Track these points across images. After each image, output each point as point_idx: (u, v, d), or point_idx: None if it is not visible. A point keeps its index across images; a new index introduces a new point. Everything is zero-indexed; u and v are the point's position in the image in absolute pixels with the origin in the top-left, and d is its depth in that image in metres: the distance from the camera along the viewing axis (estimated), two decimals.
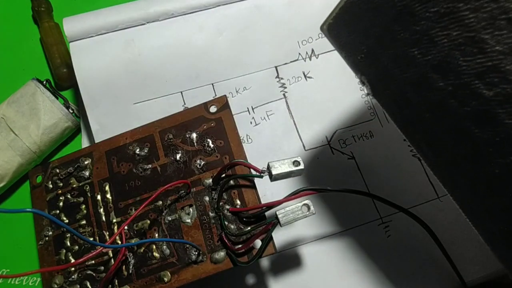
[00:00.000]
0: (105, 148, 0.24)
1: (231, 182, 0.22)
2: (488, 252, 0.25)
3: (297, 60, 0.29)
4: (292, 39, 0.29)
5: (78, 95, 0.29)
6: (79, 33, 0.28)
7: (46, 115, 0.27)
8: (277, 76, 0.29)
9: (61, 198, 0.24)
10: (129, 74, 0.28)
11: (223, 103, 0.24)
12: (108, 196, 0.23)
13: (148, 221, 0.22)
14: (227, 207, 0.21)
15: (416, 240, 0.25)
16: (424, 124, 0.16)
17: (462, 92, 0.14)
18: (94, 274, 0.22)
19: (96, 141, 0.27)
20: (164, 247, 0.21)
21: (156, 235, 0.22)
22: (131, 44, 0.28)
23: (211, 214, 0.22)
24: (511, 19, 0.12)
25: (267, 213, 0.21)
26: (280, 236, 0.26)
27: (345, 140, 0.28)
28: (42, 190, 0.24)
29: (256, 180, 0.22)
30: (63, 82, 0.30)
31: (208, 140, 0.23)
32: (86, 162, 0.24)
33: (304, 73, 0.29)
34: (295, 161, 0.20)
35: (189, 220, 0.22)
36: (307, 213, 0.19)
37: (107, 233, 0.22)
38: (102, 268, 0.22)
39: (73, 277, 0.22)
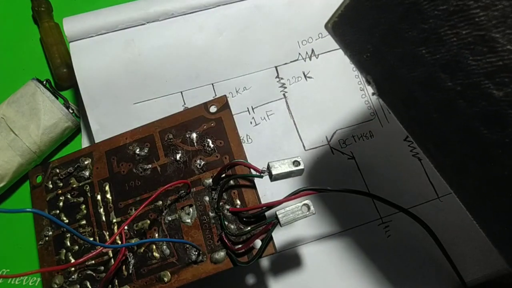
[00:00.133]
0: (105, 148, 0.24)
1: (231, 182, 0.22)
2: (488, 252, 0.25)
3: (297, 60, 0.29)
4: (292, 39, 0.29)
5: (78, 95, 0.29)
6: (79, 33, 0.28)
7: (46, 115, 0.27)
8: (277, 76, 0.29)
9: (61, 198, 0.24)
10: (129, 74, 0.28)
11: (223, 103, 0.24)
12: (108, 196, 0.23)
13: (148, 221, 0.22)
14: (227, 207, 0.21)
15: (416, 240, 0.25)
16: (431, 124, 0.16)
17: (471, 92, 0.13)
18: (94, 274, 0.22)
19: (96, 141, 0.27)
20: (164, 247, 0.21)
21: (156, 235, 0.22)
22: (131, 44, 0.28)
23: (211, 214, 0.22)
24: None
25: (267, 213, 0.21)
26: (280, 236, 0.26)
27: (345, 140, 0.28)
28: (42, 190, 0.24)
29: (256, 180, 0.22)
30: (63, 82, 0.30)
31: (208, 140, 0.23)
32: (86, 162, 0.24)
33: (304, 73, 0.29)
34: (295, 161, 0.20)
35: (189, 220, 0.22)
36: (307, 213, 0.19)
37: (107, 233, 0.22)
38: (102, 268, 0.22)
39: (73, 277, 0.22)
